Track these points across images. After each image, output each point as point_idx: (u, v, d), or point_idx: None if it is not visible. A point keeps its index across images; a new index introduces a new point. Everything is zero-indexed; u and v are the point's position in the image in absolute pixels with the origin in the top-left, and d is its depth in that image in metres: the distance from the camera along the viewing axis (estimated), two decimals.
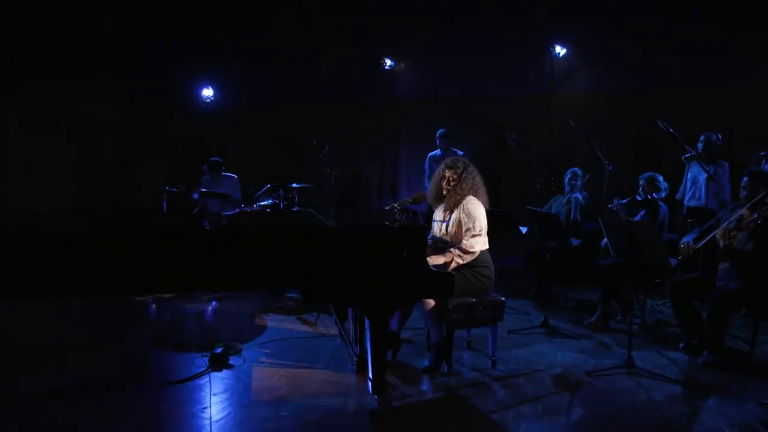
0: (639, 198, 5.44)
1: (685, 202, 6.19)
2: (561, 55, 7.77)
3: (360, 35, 8.19)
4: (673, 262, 4.42)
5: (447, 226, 4.19)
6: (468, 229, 4.06)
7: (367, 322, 3.46)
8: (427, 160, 7.54)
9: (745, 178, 4.41)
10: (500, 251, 8.08)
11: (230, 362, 4.25)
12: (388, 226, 3.74)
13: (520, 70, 7.89)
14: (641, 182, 5.62)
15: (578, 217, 5.98)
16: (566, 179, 6.25)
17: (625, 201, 5.40)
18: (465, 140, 8.13)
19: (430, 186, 4.42)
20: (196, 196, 6.79)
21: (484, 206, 4.22)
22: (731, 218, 4.33)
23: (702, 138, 6.16)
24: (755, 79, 7.00)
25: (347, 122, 8.54)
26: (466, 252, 4.03)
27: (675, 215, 5.83)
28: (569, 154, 7.35)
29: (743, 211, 4.31)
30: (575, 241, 5.20)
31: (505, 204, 7.51)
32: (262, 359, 4.44)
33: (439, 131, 7.38)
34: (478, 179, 4.20)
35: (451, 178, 4.19)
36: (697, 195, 6.15)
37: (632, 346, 4.24)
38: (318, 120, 8.53)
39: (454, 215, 4.16)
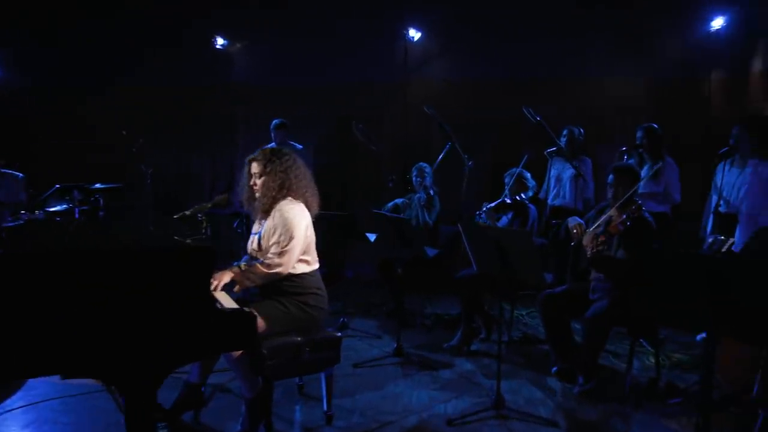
0: (508, 201, 4.71)
1: (548, 201, 5.61)
2: (416, 39, 6.97)
3: (187, 9, 6.83)
4: (548, 277, 3.69)
5: (259, 240, 3.09)
6: (276, 243, 2.99)
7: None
8: None
9: (611, 176, 3.78)
10: (352, 259, 7.29)
11: None
12: (141, 249, 2.47)
13: (371, 55, 6.98)
14: (507, 180, 4.92)
15: (428, 219, 5.15)
16: (413, 176, 5.41)
17: (493, 205, 4.63)
18: (309, 132, 7.08)
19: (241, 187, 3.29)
20: None
21: (313, 211, 3.19)
22: (599, 221, 3.69)
23: (564, 132, 5.61)
24: (615, 70, 6.69)
25: (169, 108, 7.09)
26: (265, 272, 2.97)
27: (540, 216, 5.20)
28: (427, 148, 6.57)
29: (611, 212, 3.68)
30: (431, 252, 4.37)
31: (353, 206, 6.61)
32: None
33: (273, 122, 6.26)
34: (301, 176, 3.15)
35: (257, 174, 3.10)
36: (561, 193, 5.59)
37: (501, 374, 3.44)
38: (130, 103, 7.00)
39: (267, 224, 3.07)
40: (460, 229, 3.29)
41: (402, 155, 6.77)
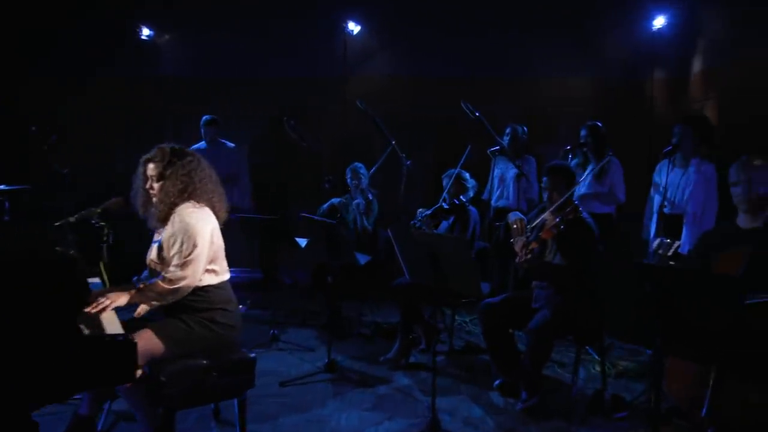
0: (445, 206, 4.42)
1: (492, 202, 5.37)
2: (355, 33, 6.65)
3: None
4: (485, 287, 3.42)
5: (159, 250, 2.69)
6: (177, 253, 2.60)
7: None
8: None
9: (545, 177, 3.54)
10: (290, 265, 6.91)
11: None
12: None
13: (310, 49, 6.61)
14: (445, 182, 4.64)
15: (367, 224, 4.85)
16: (347, 179, 5.10)
17: (429, 212, 4.33)
18: (242, 130, 6.66)
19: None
20: None
21: (221, 217, 2.81)
22: (534, 223, 3.44)
23: (508, 130, 5.39)
24: (559, 68, 6.55)
25: (88, 102, 6.53)
26: (167, 288, 2.57)
27: (483, 218, 4.96)
28: (368, 146, 6.26)
29: (546, 215, 3.43)
30: (362, 258, 4.04)
31: (290, 208, 6.23)
32: None
33: (203, 118, 5.82)
34: (206, 179, 2.76)
35: (154, 177, 2.71)
36: (505, 194, 5.36)
37: (439, 390, 3.16)
38: (44, 98, 6.41)
39: (166, 231, 2.67)
40: (390, 235, 2.97)
41: (342, 154, 6.43)
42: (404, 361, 4.16)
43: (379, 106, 6.23)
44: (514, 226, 3.44)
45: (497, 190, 5.39)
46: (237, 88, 6.62)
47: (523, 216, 3.54)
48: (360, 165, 5.22)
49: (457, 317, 5.24)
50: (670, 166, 4.32)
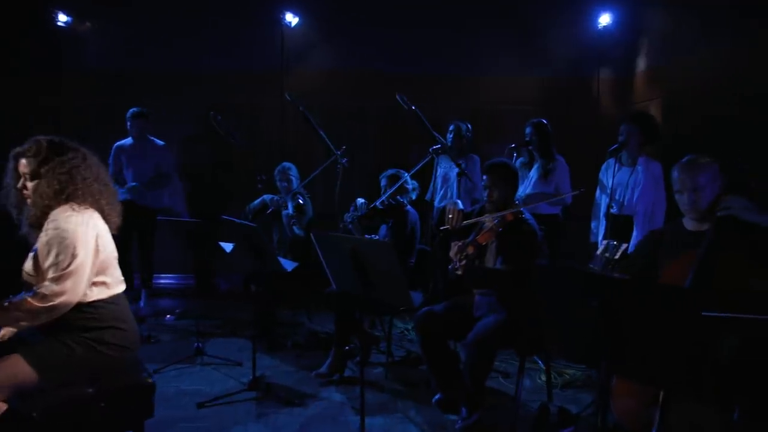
0: (379, 206, 4.12)
1: (435, 203, 5.12)
2: (293, 24, 6.29)
3: None
4: (417, 298, 3.14)
5: (34, 260, 2.28)
6: (53, 265, 2.20)
7: None
8: (113, 151, 5.42)
9: (485, 175, 3.28)
10: (222, 269, 6.51)
11: None
12: None
13: (246, 41, 6.22)
14: (383, 183, 4.36)
15: (298, 232, 4.52)
16: (276, 180, 4.77)
17: (360, 213, 4.02)
18: (174, 126, 6.22)
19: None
20: None
21: (113, 222, 2.42)
22: (470, 222, 3.19)
23: (451, 128, 5.14)
24: (506, 66, 6.39)
25: None
26: (38, 306, 2.16)
27: (425, 220, 4.69)
28: (308, 144, 5.93)
29: (485, 217, 3.18)
30: (289, 265, 3.70)
31: (223, 210, 5.82)
32: None
33: (130, 110, 5.35)
34: (93, 178, 2.35)
35: (27, 175, 2.31)
36: (448, 195, 5.11)
37: (374, 407, 2.90)
38: None
39: (40, 239, 2.27)
40: (313, 239, 2.65)
41: (281, 152, 6.08)
42: (338, 375, 3.85)
43: (319, 102, 5.97)
44: (449, 215, 3.17)
45: (440, 190, 5.14)
46: (168, 81, 6.16)
47: (461, 206, 3.27)
48: (290, 165, 4.89)
49: (401, 324, 4.98)
50: (617, 166, 4.16)
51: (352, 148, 4.74)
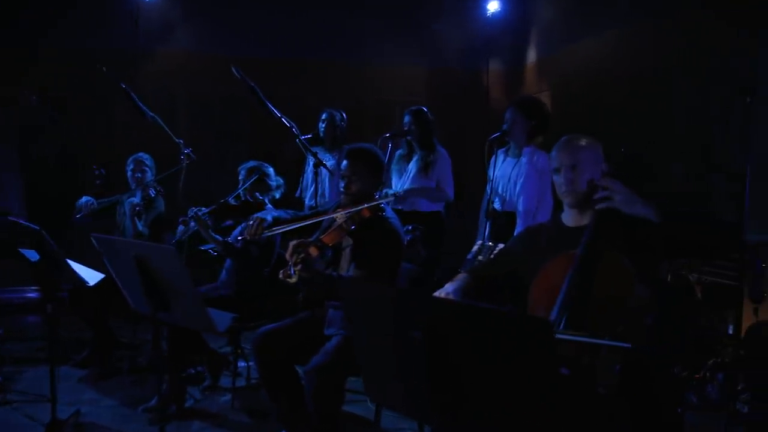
0: (232, 201, 3.48)
1: (306, 201, 4.53)
2: (149, 1, 5.51)
3: None
4: (224, 320, 2.53)
5: None
6: None
7: None
8: None
9: (344, 162, 2.73)
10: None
11: None
12: None
13: (91, 16, 5.37)
14: (242, 175, 3.72)
15: (141, 228, 3.80)
16: (127, 170, 4.06)
17: (207, 209, 3.33)
18: (9, 117, 5.27)
19: None
20: None
21: None
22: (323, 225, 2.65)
23: (324, 116, 4.54)
24: (392, 56, 6.01)
25: None
26: None
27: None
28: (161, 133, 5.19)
29: (336, 213, 2.62)
30: (91, 277, 3.00)
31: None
32: None
33: None
34: None
35: None
36: (320, 191, 4.52)
37: None
38: None
39: None
40: (95, 244, 1.98)
41: (131, 141, 5.27)
42: (175, 408, 3.17)
43: (181, 86, 5.26)
44: (250, 221, 2.59)
45: (311, 186, 4.55)
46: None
47: (273, 214, 2.69)
48: (146, 156, 4.22)
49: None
50: (503, 157, 3.75)
51: (224, 139, 4.09)
